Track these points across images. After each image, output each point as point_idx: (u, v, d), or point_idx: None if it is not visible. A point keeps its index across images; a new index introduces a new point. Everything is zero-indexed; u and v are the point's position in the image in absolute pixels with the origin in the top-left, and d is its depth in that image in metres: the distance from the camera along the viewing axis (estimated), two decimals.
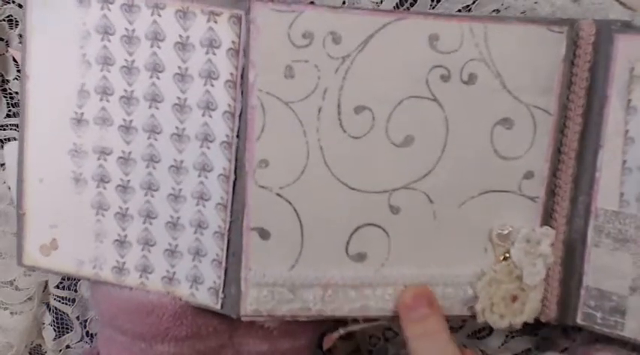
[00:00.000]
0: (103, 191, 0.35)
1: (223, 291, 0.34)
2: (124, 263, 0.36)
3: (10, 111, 0.41)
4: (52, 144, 0.35)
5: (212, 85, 0.33)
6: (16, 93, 0.40)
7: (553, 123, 0.35)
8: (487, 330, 0.43)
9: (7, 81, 0.41)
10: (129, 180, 0.35)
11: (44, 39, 0.34)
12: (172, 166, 0.35)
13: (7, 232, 0.41)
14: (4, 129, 0.41)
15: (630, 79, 0.34)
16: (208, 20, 0.32)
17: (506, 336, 0.43)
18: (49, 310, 0.44)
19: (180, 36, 0.33)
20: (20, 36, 0.40)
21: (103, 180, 0.35)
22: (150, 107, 0.34)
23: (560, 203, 0.36)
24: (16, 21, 0.40)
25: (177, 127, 0.34)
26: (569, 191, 0.35)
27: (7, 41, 0.40)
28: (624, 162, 0.34)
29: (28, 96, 0.35)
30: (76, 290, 0.43)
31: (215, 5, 0.32)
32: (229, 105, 0.33)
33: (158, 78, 0.34)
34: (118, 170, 0.35)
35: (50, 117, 0.35)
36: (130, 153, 0.35)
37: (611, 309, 0.35)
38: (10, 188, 0.40)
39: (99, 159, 0.35)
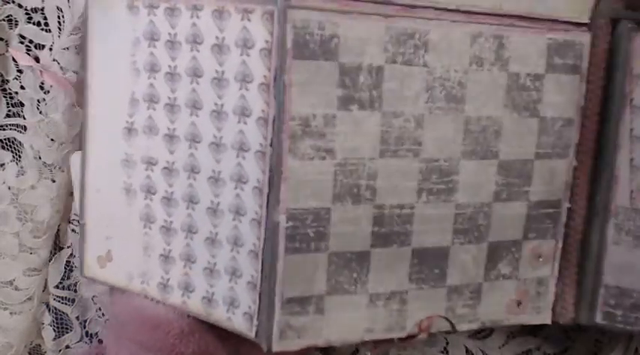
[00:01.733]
0: (150, 203, 0.36)
1: (258, 318, 0.33)
2: (168, 279, 0.36)
3: (9, 111, 0.42)
4: (108, 154, 0.37)
5: (247, 90, 0.33)
6: (16, 93, 0.42)
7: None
8: (487, 330, 0.44)
9: (7, 81, 0.42)
10: (172, 192, 0.35)
11: (102, 49, 0.37)
12: (211, 177, 0.34)
13: (7, 232, 0.42)
14: (4, 129, 0.42)
15: (630, 79, 0.36)
16: (242, 19, 0.32)
17: (507, 337, 0.44)
18: (49, 310, 0.45)
19: (217, 37, 0.33)
20: (20, 36, 0.41)
21: (149, 191, 0.36)
22: (191, 114, 0.34)
23: (578, 202, 0.38)
24: (16, 21, 0.41)
25: (215, 135, 0.34)
26: (586, 190, 0.38)
27: (6, 41, 0.42)
28: (631, 160, 0.36)
29: (88, 105, 0.38)
30: (75, 291, 0.44)
31: (248, 2, 0.32)
32: (263, 111, 0.32)
33: (198, 83, 0.34)
34: (162, 181, 0.36)
35: (107, 127, 0.37)
36: (173, 163, 0.35)
37: (632, 306, 0.37)
38: (73, 198, 0.43)
39: (146, 169, 0.36)
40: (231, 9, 0.32)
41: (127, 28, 0.35)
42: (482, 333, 0.44)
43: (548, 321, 0.38)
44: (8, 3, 0.41)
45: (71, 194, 0.43)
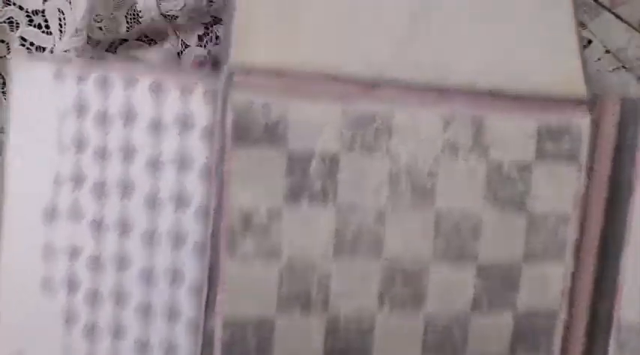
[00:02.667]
0: (72, 299, 0.33)
1: None
2: None
3: None
4: (25, 240, 0.34)
5: (185, 176, 0.30)
6: None
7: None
8: None
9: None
10: (97, 289, 0.33)
11: (24, 120, 0.35)
12: (142, 273, 0.32)
13: None
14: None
15: None
16: (182, 95, 0.30)
17: None
18: None
19: (153, 114, 0.31)
20: (21, 38, 0.42)
21: (72, 286, 0.33)
22: (122, 199, 0.32)
23: (578, 312, 0.34)
24: (17, 23, 0.42)
25: (148, 225, 0.31)
26: (587, 299, 0.35)
27: (7, 43, 0.43)
28: None
29: (7, 184, 0.35)
30: None
31: (188, 79, 0.30)
32: (203, 201, 0.29)
33: (131, 163, 0.32)
34: (86, 275, 0.33)
35: (24, 210, 0.35)
36: (100, 254, 0.33)
37: None
38: None
39: (69, 260, 0.33)
40: (170, 84, 0.29)
41: (52, 99, 0.33)
42: None
43: None
44: (9, 5, 0.42)
45: None
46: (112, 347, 0.33)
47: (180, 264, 0.31)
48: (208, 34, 0.45)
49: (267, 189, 0.29)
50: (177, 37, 0.47)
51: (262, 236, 0.29)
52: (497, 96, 0.33)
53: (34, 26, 0.43)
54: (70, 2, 0.43)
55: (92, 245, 0.33)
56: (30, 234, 0.35)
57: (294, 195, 0.29)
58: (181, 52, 0.48)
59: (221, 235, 0.28)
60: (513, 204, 0.33)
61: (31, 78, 0.35)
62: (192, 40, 0.47)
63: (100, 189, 0.33)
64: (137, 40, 0.48)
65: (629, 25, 0.43)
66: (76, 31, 0.43)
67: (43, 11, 0.43)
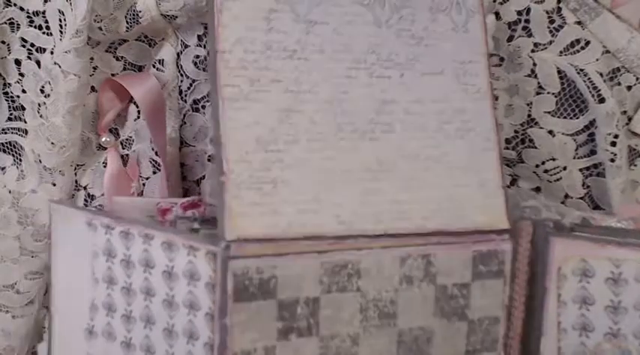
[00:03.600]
0: None
1: None
2: None
3: (11, 114, 0.42)
4: (72, 352, 0.38)
5: (195, 315, 0.34)
6: (18, 96, 0.41)
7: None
8: None
9: (9, 84, 0.42)
10: None
11: (65, 254, 0.38)
12: None
13: (8, 236, 0.42)
14: (5, 133, 0.42)
15: (558, 277, 0.38)
16: (188, 254, 0.34)
17: None
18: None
19: (167, 265, 0.35)
20: (22, 39, 0.41)
21: None
22: (145, 328, 0.36)
23: None
24: (17, 24, 0.41)
25: (167, 351, 0.35)
26: None
27: (8, 44, 0.42)
28: (559, 349, 0.38)
29: (53, 304, 0.39)
30: None
31: (193, 240, 0.34)
32: (209, 338, 0.34)
33: (151, 301, 0.35)
34: None
35: (70, 327, 0.38)
36: None
37: None
38: None
39: None
40: (179, 243, 0.34)
41: (86, 242, 0.36)
42: None
43: None
44: (9, 6, 0.41)
45: None
46: None
47: None
48: (208, 34, 0.40)
49: (262, 332, 0.33)
50: (177, 37, 0.47)
51: None
52: (441, 235, 0.38)
53: (35, 27, 0.42)
54: (71, 3, 0.41)
55: None
56: (74, 349, 0.39)
57: (285, 333, 0.34)
58: (181, 52, 0.47)
59: None
60: (457, 315, 0.39)
61: (67, 219, 0.38)
62: (192, 40, 0.47)
63: (127, 319, 0.37)
64: (137, 40, 0.47)
65: (629, 25, 0.42)
66: (77, 31, 0.41)
67: (43, 12, 0.41)
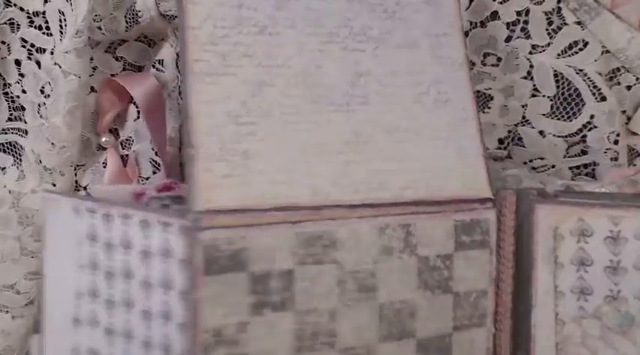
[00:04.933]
0: None
1: None
2: None
3: (11, 115, 0.39)
4: (61, 342, 0.34)
5: (169, 295, 0.30)
6: (18, 96, 0.39)
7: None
8: None
9: (9, 84, 0.39)
10: None
11: (55, 243, 0.34)
12: None
13: (9, 236, 0.39)
14: (5, 133, 0.40)
15: (555, 238, 0.34)
16: (163, 230, 0.30)
17: None
18: None
19: (143, 245, 0.30)
20: (22, 39, 0.38)
21: None
22: (125, 312, 0.32)
23: None
24: (18, 24, 0.38)
25: (145, 335, 0.31)
26: (508, 351, 0.35)
27: (8, 44, 0.39)
28: (556, 315, 0.34)
29: (45, 294, 0.35)
30: None
31: (167, 216, 0.30)
32: (183, 316, 0.29)
33: (130, 284, 0.31)
34: None
35: (60, 316, 0.34)
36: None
37: None
38: None
39: None
40: (154, 220, 0.29)
41: (73, 228, 0.33)
42: None
43: None
44: (9, 6, 0.38)
45: None
46: None
47: None
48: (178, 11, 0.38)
49: (234, 307, 0.29)
50: (177, 37, 0.43)
51: (233, 346, 0.29)
52: (420, 204, 0.33)
53: (35, 27, 0.39)
54: (71, 3, 0.38)
55: (107, 349, 0.33)
56: (63, 339, 0.34)
57: (258, 308, 0.29)
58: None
59: (197, 349, 0.28)
60: (441, 287, 0.34)
61: (57, 210, 0.34)
62: None
63: (110, 303, 0.33)
64: (136, 40, 0.45)
65: (629, 25, 0.39)
66: (77, 32, 0.38)
67: (43, 12, 0.39)
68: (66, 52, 0.40)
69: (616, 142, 0.43)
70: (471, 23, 0.43)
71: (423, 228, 0.32)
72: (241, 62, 0.31)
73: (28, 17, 0.40)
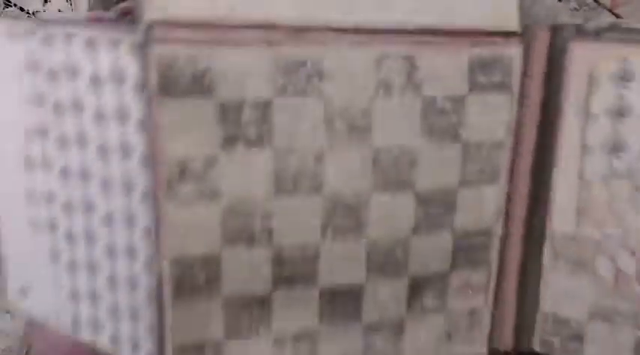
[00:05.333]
0: (55, 238, 0.31)
1: None
2: (78, 316, 0.31)
3: None
4: (12, 186, 0.32)
5: (125, 127, 0.27)
6: None
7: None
8: None
9: None
10: (72, 229, 0.31)
11: None
12: (105, 217, 0.29)
13: None
14: None
15: (589, 83, 0.29)
16: (112, 50, 0.26)
17: None
18: None
19: (91, 69, 0.27)
20: None
21: (53, 226, 0.31)
22: (80, 149, 0.29)
23: (514, 226, 0.32)
24: None
25: (103, 173, 0.29)
26: (523, 214, 0.32)
27: None
28: (581, 174, 0.30)
29: None
30: None
31: (117, 32, 0.26)
32: (144, 150, 0.26)
33: (81, 117, 0.28)
34: (63, 217, 0.31)
35: (6, 158, 0.32)
36: (71, 199, 0.30)
37: (570, 336, 0.33)
38: None
39: (48, 203, 0.31)
40: (101, 39, 0.25)
41: (10, 58, 0.29)
42: None
43: (483, 351, 0.33)
44: (9, 6, 0.38)
45: None
46: (89, 282, 0.31)
47: (133, 209, 0.28)
48: None
49: (200, 137, 0.25)
50: None
51: (200, 181, 0.26)
52: (428, 34, 0.28)
53: None
54: (71, 3, 0.38)
55: (63, 191, 0.31)
56: (12, 180, 0.32)
57: (230, 141, 0.26)
58: None
59: (159, 183, 0.25)
60: (448, 135, 0.30)
61: None
62: None
63: (62, 142, 0.30)
64: None
65: None
66: None
67: (43, 12, 0.39)
68: None
69: None
70: None
71: (430, 62, 0.28)
72: None
73: (29, 17, 0.38)
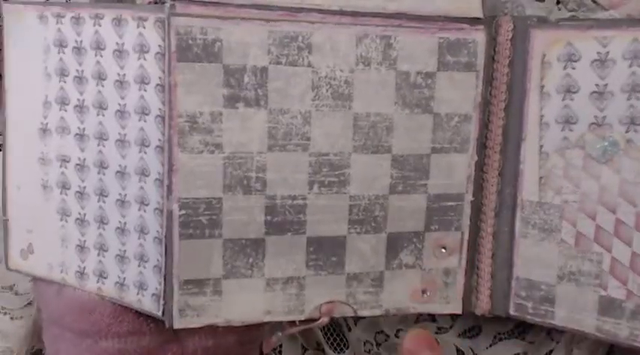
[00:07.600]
0: (65, 197, 0.41)
1: (163, 298, 0.37)
2: (84, 267, 0.41)
3: None
4: (26, 152, 0.42)
5: (145, 90, 0.37)
6: None
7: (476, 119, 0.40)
8: (476, 330, 0.47)
9: None
10: (85, 187, 0.40)
11: (17, 55, 0.42)
12: (118, 172, 0.39)
13: None
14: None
15: (542, 65, 0.39)
16: (138, 26, 0.37)
17: (494, 337, 0.47)
18: None
19: (117, 43, 0.37)
20: None
21: (64, 186, 0.41)
22: (97, 115, 0.39)
23: (487, 197, 0.41)
24: None
25: (119, 133, 0.38)
26: (495, 185, 0.41)
27: None
28: (541, 147, 0.40)
29: (7, 107, 0.43)
30: None
31: (142, 11, 0.36)
32: (160, 110, 0.36)
33: (102, 86, 0.38)
34: (75, 177, 0.40)
35: (24, 127, 0.42)
36: (84, 160, 0.40)
37: (541, 298, 0.40)
38: None
39: (61, 166, 0.41)
40: (128, 17, 0.36)
41: (38, 36, 0.39)
42: (472, 332, 0.47)
43: (459, 311, 0.42)
44: None
45: None
46: (98, 234, 0.41)
47: (146, 163, 0.38)
48: None
49: (208, 96, 0.36)
50: None
51: (207, 134, 0.36)
52: (403, 18, 0.39)
53: None
54: None
55: (78, 153, 0.41)
56: (28, 149, 0.42)
57: (232, 100, 0.36)
58: None
59: (172, 135, 0.36)
60: (420, 106, 0.40)
61: (19, 16, 0.41)
62: None
63: (81, 108, 0.40)
64: None
65: None
66: None
67: None
68: None
69: None
70: None
71: (404, 42, 0.38)
72: None
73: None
